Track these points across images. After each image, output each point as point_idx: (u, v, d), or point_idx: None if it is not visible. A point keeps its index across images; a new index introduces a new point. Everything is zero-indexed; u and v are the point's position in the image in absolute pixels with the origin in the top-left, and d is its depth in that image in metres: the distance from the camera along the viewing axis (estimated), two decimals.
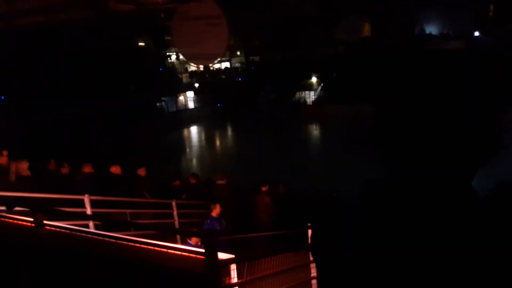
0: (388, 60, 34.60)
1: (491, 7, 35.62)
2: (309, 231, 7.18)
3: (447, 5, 36.73)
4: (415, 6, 37.33)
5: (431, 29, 40.00)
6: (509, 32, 34.37)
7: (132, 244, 3.82)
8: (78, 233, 4.23)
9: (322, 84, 40.71)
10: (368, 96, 33.72)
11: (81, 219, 6.20)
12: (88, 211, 6.51)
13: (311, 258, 6.99)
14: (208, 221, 7.43)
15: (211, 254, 3.29)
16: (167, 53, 43.35)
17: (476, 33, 36.68)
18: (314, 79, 41.47)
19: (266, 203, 9.27)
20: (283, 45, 42.55)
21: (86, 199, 6.50)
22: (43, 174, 8.81)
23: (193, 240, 5.77)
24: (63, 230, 4.29)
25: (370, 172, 17.57)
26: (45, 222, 4.29)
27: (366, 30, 41.37)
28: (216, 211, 7.42)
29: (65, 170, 9.17)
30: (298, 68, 40.49)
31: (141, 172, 9.36)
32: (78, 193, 6.79)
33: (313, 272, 7.03)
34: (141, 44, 40.49)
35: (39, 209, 4.36)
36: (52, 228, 4.31)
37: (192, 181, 11.25)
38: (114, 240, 3.96)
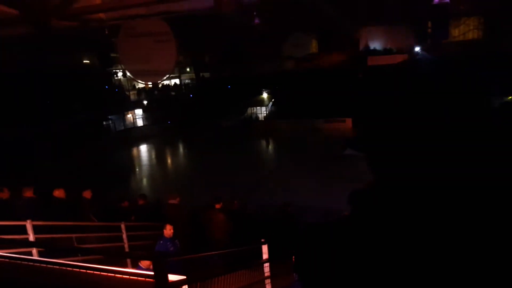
0: (335, 75, 35.76)
1: (429, 24, 37.77)
2: (263, 247, 7.17)
3: (390, 22, 38.65)
4: (360, 23, 38.95)
5: (375, 44, 41.80)
6: (444, 47, 36.60)
7: (78, 270, 3.65)
8: (19, 261, 3.98)
9: (272, 100, 41.31)
10: (317, 111, 34.62)
11: (23, 246, 5.87)
12: (31, 237, 6.16)
13: (266, 274, 6.98)
14: (161, 242, 7.24)
15: (160, 276, 3.21)
16: (114, 70, 42.46)
17: (417, 48, 38.71)
18: (265, 95, 42.01)
19: (220, 220, 9.20)
20: (233, 62, 42.94)
21: (29, 224, 6.15)
22: None
23: (144, 263, 5.60)
24: (1, 259, 4.03)
25: (325, 185, 17.95)
26: None
27: (314, 46, 42.63)
28: (168, 232, 7.25)
29: (4, 195, 8.64)
30: (249, 84, 40.93)
31: (87, 194, 9.00)
32: (19, 219, 6.42)
33: None
34: (86, 61, 39.41)
35: None
36: None
37: (141, 202, 10.97)
38: (59, 267, 3.76)
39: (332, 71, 36.75)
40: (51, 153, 25.19)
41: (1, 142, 22.72)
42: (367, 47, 41.76)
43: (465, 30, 37.91)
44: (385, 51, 40.57)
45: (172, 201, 9.60)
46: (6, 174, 14.92)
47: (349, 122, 33.50)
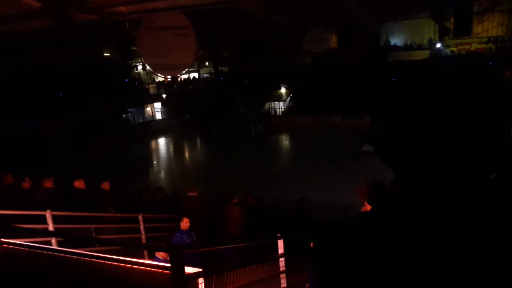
0: (355, 71, 35.40)
1: (452, 20, 37.04)
2: (279, 241, 7.16)
3: (411, 17, 38.02)
4: (380, 18, 38.38)
5: (396, 40, 41.13)
6: (467, 43, 35.89)
7: (96, 260, 3.70)
8: (39, 251, 4.06)
9: (291, 95, 41.12)
10: (335, 107, 34.37)
11: (43, 236, 5.98)
12: (50, 227, 6.27)
13: (281, 269, 6.97)
14: (177, 234, 7.30)
15: (177, 268, 3.22)
16: (134, 64, 42.79)
17: (438, 45, 37.97)
18: (283, 90, 41.82)
19: (236, 214, 9.21)
20: (252, 56, 42.82)
21: (48, 214, 6.26)
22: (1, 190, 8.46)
23: (161, 254, 5.65)
24: (22, 248, 4.11)
25: (342, 181, 17.84)
26: (2, 240, 4.10)
27: (333, 41, 42.20)
28: (185, 224, 7.30)
29: (26, 185, 8.84)
30: (267, 79, 40.80)
31: (105, 186, 9.11)
32: (39, 209, 6.55)
33: (283, 283, 7.00)
34: (106, 54, 39.78)
35: None
36: (11, 246, 4.12)
37: (158, 194, 11.08)
38: (77, 257, 3.82)
39: (351, 67, 36.36)
40: (71, 145, 25.60)
41: (24, 134, 23.17)
42: (387, 42, 41.15)
43: (488, 27, 37.01)
44: (406, 47, 39.89)
45: (191, 194, 9.68)
46: (28, 165, 15.22)
47: (366, 118, 33.19)
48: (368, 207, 3.43)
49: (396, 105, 28.26)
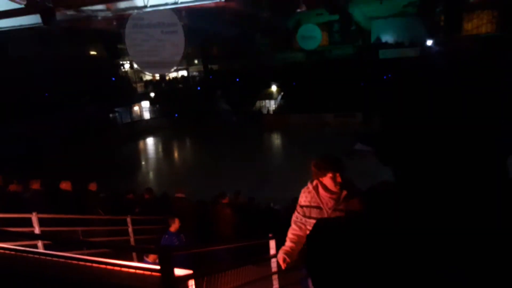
0: (346, 68, 35.47)
1: (441, 17, 37.33)
2: (271, 242, 7.09)
3: (401, 14, 38.20)
4: (371, 16, 38.55)
5: (387, 37, 41.27)
6: (457, 41, 36.14)
7: (84, 263, 3.60)
8: (25, 254, 3.94)
9: (282, 93, 41.02)
10: (327, 105, 34.37)
11: (29, 239, 5.85)
12: (37, 230, 6.15)
13: (273, 270, 6.89)
14: (166, 236, 7.21)
15: (166, 270, 3.15)
16: (121, 62, 42.31)
17: (429, 42, 38.20)
18: (274, 88, 41.70)
19: (226, 215, 9.13)
20: (242, 54, 42.70)
21: (34, 217, 6.14)
22: None
23: (151, 257, 5.57)
24: (7, 252, 3.99)
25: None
26: None
27: (324, 39, 42.30)
28: (174, 226, 7.21)
29: (13, 187, 8.66)
30: (258, 77, 40.66)
31: (92, 187, 8.99)
32: (27, 211, 6.42)
33: (275, 284, 6.93)
34: (92, 53, 39.27)
35: None
36: None
37: (146, 196, 10.93)
38: (64, 260, 3.71)
39: (342, 64, 36.43)
40: (59, 146, 25.27)
41: (9, 135, 22.81)
42: (378, 40, 41.26)
43: (478, 24, 37.33)
44: (397, 45, 40.04)
45: (179, 195, 9.57)
46: (16, 166, 15.01)
47: (358, 116, 33.26)
48: (326, 185, 3.44)
49: (388, 103, 28.33)
